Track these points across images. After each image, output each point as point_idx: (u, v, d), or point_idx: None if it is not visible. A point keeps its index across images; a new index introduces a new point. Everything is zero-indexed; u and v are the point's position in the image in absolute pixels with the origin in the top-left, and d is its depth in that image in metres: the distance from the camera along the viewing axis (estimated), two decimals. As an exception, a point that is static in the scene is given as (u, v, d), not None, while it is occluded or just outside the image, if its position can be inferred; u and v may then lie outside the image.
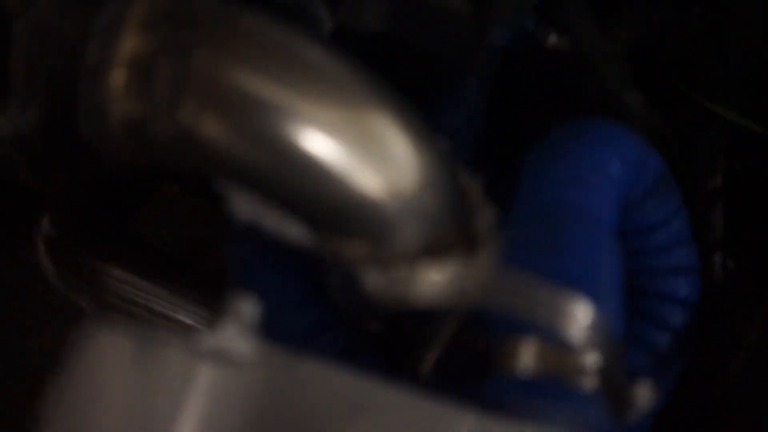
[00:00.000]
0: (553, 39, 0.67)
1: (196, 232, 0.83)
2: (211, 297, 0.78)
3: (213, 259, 0.78)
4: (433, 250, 0.48)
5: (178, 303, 0.79)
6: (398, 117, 0.46)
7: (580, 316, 0.39)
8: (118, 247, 0.82)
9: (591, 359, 0.41)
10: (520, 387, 0.40)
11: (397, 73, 0.50)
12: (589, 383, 0.41)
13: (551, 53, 0.67)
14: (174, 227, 0.82)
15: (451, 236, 0.49)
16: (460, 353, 0.56)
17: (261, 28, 0.42)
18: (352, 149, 0.44)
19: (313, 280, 0.54)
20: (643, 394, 0.42)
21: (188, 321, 0.78)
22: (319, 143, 0.42)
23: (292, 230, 0.49)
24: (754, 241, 0.66)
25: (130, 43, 0.39)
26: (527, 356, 0.41)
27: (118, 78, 0.39)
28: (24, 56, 0.35)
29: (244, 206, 0.49)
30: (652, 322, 0.56)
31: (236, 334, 0.38)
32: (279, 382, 0.37)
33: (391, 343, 0.54)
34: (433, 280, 0.39)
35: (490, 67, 0.67)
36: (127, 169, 0.43)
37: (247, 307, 0.38)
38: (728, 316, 0.64)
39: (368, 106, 0.45)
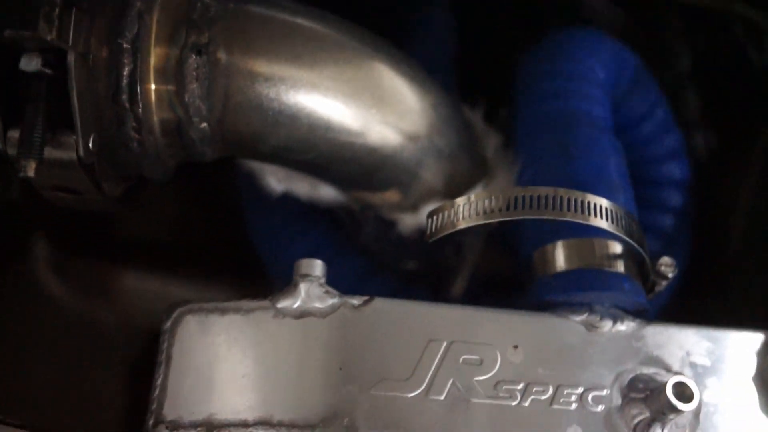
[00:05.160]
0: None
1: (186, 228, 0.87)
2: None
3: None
4: (454, 184, 0.56)
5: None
6: (398, 67, 0.53)
7: (601, 210, 0.47)
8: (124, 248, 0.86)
9: (619, 245, 0.50)
10: (562, 285, 0.49)
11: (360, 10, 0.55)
12: (622, 266, 0.49)
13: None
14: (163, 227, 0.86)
15: (466, 168, 0.56)
16: (485, 276, 0.64)
17: (267, 15, 0.48)
18: (367, 107, 0.50)
19: (343, 237, 0.61)
20: (667, 269, 0.50)
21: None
22: (337, 108, 0.49)
23: (323, 192, 0.56)
24: (731, 116, 0.75)
25: (156, 57, 0.45)
26: (562, 257, 0.50)
27: (150, 90, 0.45)
28: (75, 87, 0.41)
29: (273, 179, 0.56)
30: (655, 207, 0.65)
31: (314, 295, 0.45)
32: (354, 322, 0.45)
33: (426, 277, 0.62)
34: (460, 210, 0.46)
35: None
36: (167, 170, 0.49)
37: (319, 269, 0.45)
38: (718, 190, 0.72)
39: (371, 65, 0.51)
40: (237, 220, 0.69)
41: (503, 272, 0.65)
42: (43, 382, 0.77)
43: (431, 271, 0.63)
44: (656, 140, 0.67)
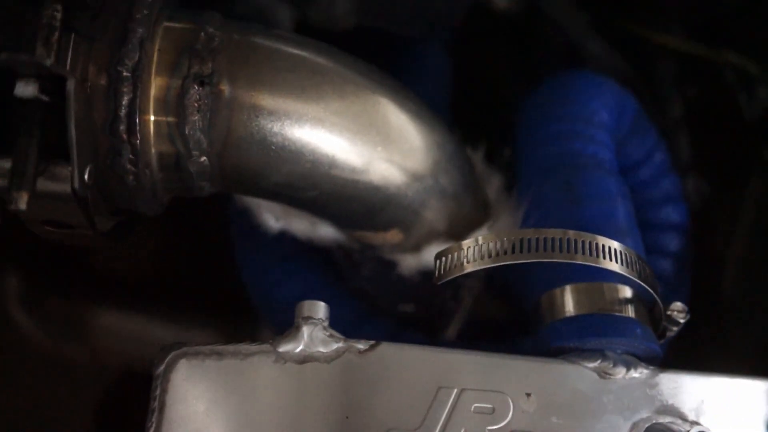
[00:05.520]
0: (502, 2, 0.74)
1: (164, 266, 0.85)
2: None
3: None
4: (457, 225, 0.54)
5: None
6: (404, 103, 0.52)
7: (613, 254, 0.46)
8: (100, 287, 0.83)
9: (629, 290, 0.48)
10: (573, 330, 0.47)
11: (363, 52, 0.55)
12: (634, 311, 0.48)
13: (505, 16, 0.74)
14: (142, 262, 0.84)
15: (469, 209, 0.55)
16: (481, 320, 0.63)
17: (272, 47, 0.47)
18: (373, 145, 0.49)
19: (338, 278, 0.59)
20: (679, 315, 0.49)
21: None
22: (342, 145, 0.48)
23: (322, 231, 0.54)
24: (722, 163, 0.75)
25: (156, 87, 0.43)
26: (572, 301, 0.48)
27: (149, 121, 0.43)
28: (74, 115, 0.39)
29: (271, 217, 0.54)
30: (654, 251, 0.64)
31: (318, 339, 0.43)
32: (360, 367, 0.43)
33: (421, 320, 0.60)
34: (469, 252, 0.44)
35: (449, 37, 0.72)
36: (161, 203, 0.47)
37: (322, 312, 0.43)
38: (709, 236, 0.72)
39: (378, 100, 0.50)
40: (222, 255, 0.67)
41: (499, 315, 0.64)
42: (11, 420, 0.76)
43: (427, 313, 0.61)
44: (654, 184, 0.66)
